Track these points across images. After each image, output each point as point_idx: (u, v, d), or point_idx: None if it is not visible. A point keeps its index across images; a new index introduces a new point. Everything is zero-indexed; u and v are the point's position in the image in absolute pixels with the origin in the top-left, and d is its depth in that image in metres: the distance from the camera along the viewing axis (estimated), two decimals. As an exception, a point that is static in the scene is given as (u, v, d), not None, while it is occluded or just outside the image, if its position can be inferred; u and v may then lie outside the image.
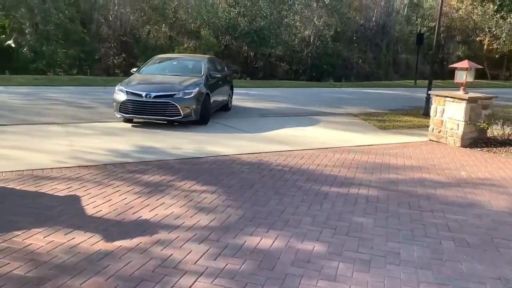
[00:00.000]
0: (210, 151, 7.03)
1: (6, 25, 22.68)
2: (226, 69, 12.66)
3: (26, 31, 22.20)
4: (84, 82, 17.51)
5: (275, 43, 25.76)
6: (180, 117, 9.00)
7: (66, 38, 22.77)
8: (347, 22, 31.05)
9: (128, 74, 24.97)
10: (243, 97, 14.89)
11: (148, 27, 25.69)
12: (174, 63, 11.55)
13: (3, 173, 5.27)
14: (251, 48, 25.19)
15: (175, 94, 8.96)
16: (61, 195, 4.59)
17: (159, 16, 24.44)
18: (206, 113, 9.56)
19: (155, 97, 8.91)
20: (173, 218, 4.13)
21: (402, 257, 3.56)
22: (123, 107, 9.06)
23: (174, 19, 25.58)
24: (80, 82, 17.37)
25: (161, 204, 4.47)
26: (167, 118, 9.09)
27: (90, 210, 4.22)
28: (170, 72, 10.55)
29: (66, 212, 4.13)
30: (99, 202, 4.44)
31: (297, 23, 28.23)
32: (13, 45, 22.48)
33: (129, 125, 9.18)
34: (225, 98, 11.54)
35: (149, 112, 8.99)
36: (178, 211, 4.31)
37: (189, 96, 9.03)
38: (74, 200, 4.44)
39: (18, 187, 4.76)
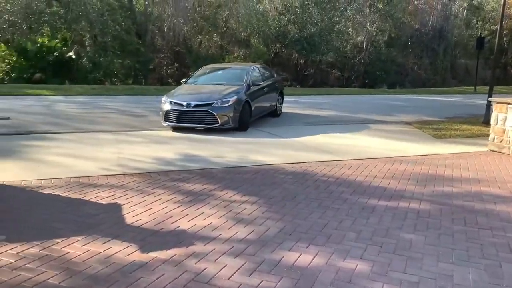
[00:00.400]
0: (254, 160, 6.91)
1: (68, 38, 23.99)
2: (275, 76, 12.79)
3: (86, 43, 23.30)
4: (137, 91, 18.07)
5: (326, 50, 25.39)
6: (218, 124, 9.41)
7: (122, 49, 23.68)
8: (401, 27, 30.06)
9: (180, 83, 25.66)
10: (292, 104, 14.71)
11: (200, 37, 26.20)
12: (219, 72, 12.04)
13: (52, 180, 5.42)
14: (301, 55, 24.99)
15: (213, 103, 9.42)
16: (103, 203, 4.64)
17: (211, 26, 24.85)
18: (245, 121, 9.84)
19: (195, 106, 9.47)
20: (211, 229, 4.03)
21: (455, 280, 3.23)
22: (167, 116, 9.71)
23: (225, 28, 25.92)
24: (133, 91, 17.94)
25: (200, 214, 4.39)
26: (206, 126, 9.47)
27: (130, 218, 4.21)
28: (215, 81, 10.97)
29: (107, 221, 4.14)
30: (139, 210, 4.43)
31: (349, 29, 27.69)
32: (73, 56, 23.64)
33: (175, 133, 9.28)
34: (272, 104, 11.73)
35: (189, 121, 9.52)
36: (216, 222, 4.20)
37: (227, 105, 9.42)
38: (116, 208, 4.46)
39: (64, 194, 4.87)
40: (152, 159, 6.76)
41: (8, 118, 10.57)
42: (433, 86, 30.06)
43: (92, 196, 4.83)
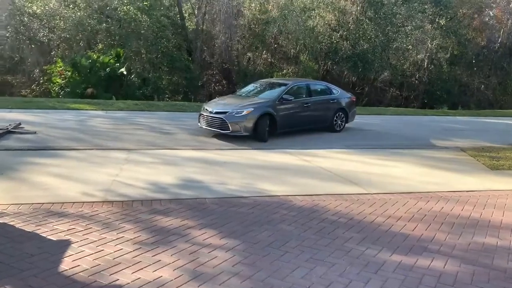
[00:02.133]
0: (260, 189, 6.00)
1: (121, 54, 24.47)
2: (334, 93, 12.75)
3: (136, 59, 23.65)
4: (179, 107, 17.77)
5: (381, 68, 23.93)
6: (229, 131, 10.39)
7: (171, 66, 23.76)
8: (465, 44, 27.85)
9: (228, 100, 25.26)
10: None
11: (249, 54, 25.80)
12: (263, 86, 12.77)
13: (21, 205, 4.86)
14: (353, 72, 23.74)
15: (227, 112, 10.45)
16: (53, 239, 3.95)
17: (259, 43, 24.36)
18: (262, 132, 10.52)
19: (215, 113, 10.67)
20: (156, 286, 3.17)
21: None
22: (200, 119, 11.40)
23: (275, 45, 25.33)
24: (175, 107, 17.66)
25: (154, 263, 3.56)
26: (219, 131, 10.57)
27: (67, 264, 3.47)
28: (254, 94, 12.07)
29: (38, 265, 3.43)
30: (86, 252, 3.69)
31: (408, 46, 26.04)
32: (125, 72, 24.00)
33: (190, 153, 8.57)
34: (324, 119, 12.13)
35: (211, 125, 10.83)
36: (167, 275, 3.35)
37: (239, 115, 10.33)
38: (61, 248, 3.75)
39: (19, 225, 4.26)
40: (147, 184, 6.06)
41: (34, 133, 10.53)
42: (502, 108, 27.43)
43: (47, 229, 4.17)
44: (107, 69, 22.91)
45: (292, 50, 24.25)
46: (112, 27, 21.68)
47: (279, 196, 5.70)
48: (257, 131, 10.42)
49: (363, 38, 23.44)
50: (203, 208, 5.07)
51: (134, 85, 23.31)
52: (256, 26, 24.77)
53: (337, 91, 12.95)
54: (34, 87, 24.57)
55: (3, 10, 21.74)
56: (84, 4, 21.32)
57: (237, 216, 4.79)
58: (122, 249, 3.79)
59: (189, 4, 26.07)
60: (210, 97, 26.87)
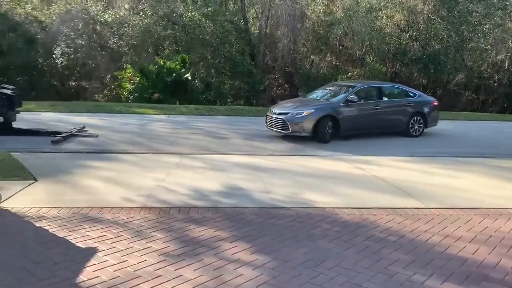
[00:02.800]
0: (305, 200, 5.64)
1: (187, 60, 25.06)
2: (412, 96, 12.44)
3: (200, 64, 24.08)
4: (238, 112, 17.79)
5: (454, 69, 22.34)
6: (289, 131, 10.77)
7: (233, 70, 23.92)
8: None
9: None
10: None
11: (312, 57, 25.33)
12: (332, 88, 12.88)
13: (62, 209, 4.90)
14: (423, 75, 22.37)
15: (288, 113, 10.83)
16: (81, 246, 3.90)
17: (323, 45, 23.81)
18: (322, 133, 10.67)
19: (278, 114, 11.09)
20: (170, 304, 2.96)
21: None
22: (266, 120, 11.81)
23: (339, 47, 24.64)
24: (234, 112, 17.70)
25: (175, 278, 3.35)
26: (281, 131, 10.99)
27: (87, 274, 3.37)
28: (320, 96, 12.24)
29: (59, 274, 3.36)
30: (109, 263, 3.58)
31: (487, 46, 24.11)
32: (189, 77, 24.54)
33: (240, 159, 8.37)
34: (398, 123, 11.82)
35: (274, 126, 11.25)
36: (187, 293, 3.12)
37: (299, 116, 10.69)
38: (86, 256, 3.67)
39: (53, 229, 4.27)
40: (189, 190, 5.93)
41: (96, 136, 10.94)
42: None
43: (79, 235, 4.14)
44: (173, 75, 23.54)
45: (357, 52, 23.41)
46: (177, 33, 22.21)
47: (325, 208, 5.30)
48: (317, 132, 10.64)
49: (435, 38, 22.02)
50: (240, 218, 4.81)
51: (197, 90, 23.72)
52: (320, 28, 24.23)
53: (414, 94, 12.61)
54: (106, 92, 25.89)
55: (80, 20, 23.14)
56: (151, 12, 22.06)
57: (274, 229, 4.48)
58: (146, 260, 3.63)
59: (253, 9, 26.12)
60: (272, 101, 26.71)
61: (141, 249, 3.84)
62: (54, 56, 22.99)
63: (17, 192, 5.51)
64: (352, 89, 11.60)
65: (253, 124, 14.32)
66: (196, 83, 23.51)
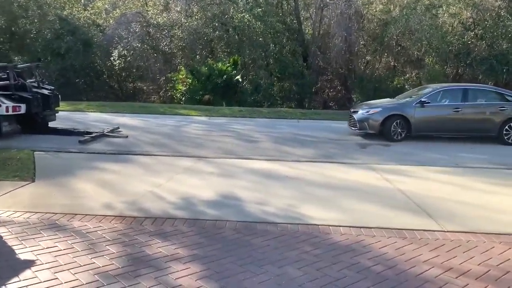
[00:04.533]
0: (300, 214, 5.03)
1: (238, 62, 24.92)
2: (509, 99, 11.52)
3: (250, 66, 23.84)
4: (281, 114, 17.27)
5: (525, 71, 20.15)
6: (357, 128, 11.61)
7: (283, 72, 23.40)
8: None
9: (342, 107, 23.96)
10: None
11: (367, 57, 24.13)
12: (418, 91, 12.68)
13: (35, 214, 4.72)
14: (489, 77, 20.40)
15: (358, 111, 11.66)
16: (20, 258, 3.63)
17: (378, 45, 22.55)
18: (388, 131, 11.10)
19: (352, 112, 12.01)
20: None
21: None
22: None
23: (397, 47, 23.23)
24: (277, 114, 17.20)
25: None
26: (352, 128, 11.91)
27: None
28: (403, 98, 12.45)
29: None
30: (35, 280, 3.24)
31: None
32: (240, 79, 24.41)
33: (259, 164, 7.88)
34: (487, 128, 11.23)
35: (349, 123, 12.11)
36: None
37: (366, 114, 11.40)
38: (17, 271, 3.37)
39: (8, 237, 4.05)
40: (179, 198, 5.55)
41: (126, 137, 10.96)
42: None
43: (29, 245, 3.89)
44: (224, 77, 23.51)
45: (416, 53, 21.89)
46: (226, 35, 22.11)
47: (318, 225, 4.67)
48: (383, 130, 11.12)
49: (503, 36, 19.98)
50: (215, 233, 4.33)
51: (246, 92, 23.50)
52: (376, 27, 23.00)
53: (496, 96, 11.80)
54: (162, 94, 26.47)
55: (136, 23, 23.81)
56: (201, 13, 22.15)
57: (245, 249, 3.95)
58: (76, 279, 3.26)
59: (306, 9, 25.44)
60: (324, 104, 25.82)
61: (81, 266, 3.49)
62: (112, 58, 23.84)
63: (5, 193, 5.44)
64: (429, 90, 11.76)
65: (292, 128, 13.77)
66: (245, 85, 23.28)
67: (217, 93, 23.14)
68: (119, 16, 22.92)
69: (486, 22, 20.73)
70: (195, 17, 22.39)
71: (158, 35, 22.96)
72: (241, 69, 24.37)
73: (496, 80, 21.31)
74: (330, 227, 4.62)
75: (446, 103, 11.47)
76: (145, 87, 28.07)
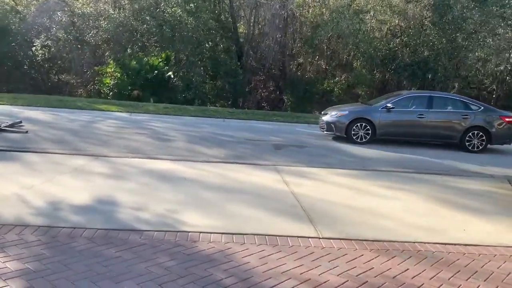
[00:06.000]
0: (175, 221, 4.71)
1: (171, 57, 24.18)
2: (473, 108, 11.90)
3: (181, 62, 23.25)
4: (208, 113, 16.87)
5: (444, 78, 21.19)
6: (325, 129, 12.06)
7: (216, 70, 23.04)
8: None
9: (274, 107, 23.99)
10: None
11: (299, 59, 24.36)
12: (387, 97, 12.99)
13: None
14: (412, 82, 21.25)
15: (326, 114, 12.14)
16: None
17: (309, 48, 22.80)
18: (354, 134, 11.48)
19: (323, 115, 12.33)
20: None
21: None
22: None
23: (328, 51, 23.61)
24: (204, 113, 16.78)
25: None
26: (322, 131, 12.27)
27: None
28: (373, 103, 12.75)
29: None
30: None
31: (482, 55, 22.92)
32: (172, 76, 23.73)
33: (160, 164, 7.44)
34: (449, 135, 11.66)
35: (320, 126, 12.48)
36: None
37: (333, 117, 11.85)
38: None
39: None
40: (46, 203, 5.02)
41: (26, 132, 10.09)
42: None
43: None
44: (155, 72, 22.72)
45: (345, 57, 22.37)
46: (156, 29, 21.37)
47: (188, 232, 4.36)
48: (348, 133, 11.49)
49: (425, 44, 20.90)
50: (64, 243, 3.89)
51: (178, 88, 22.90)
52: (308, 30, 23.24)
53: (478, 107, 12.06)
54: (89, 88, 25.18)
55: (60, 11, 22.46)
56: (129, 5, 21.25)
57: (87, 263, 3.54)
58: None
59: (240, 7, 25.23)
60: (258, 104, 25.76)
61: None
62: (34, 48, 22.32)
63: None
64: (396, 97, 12.18)
65: (215, 127, 13.46)
66: (176, 81, 22.67)
67: (147, 88, 22.32)
68: (41, 3, 21.44)
69: (410, 30, 21.57)
70: (123, 9, 21.43)
71: (83, 26, 21.74)
72: (173, 65, 23.73)
73: (418, 86, 22.30)
74: (201, 234, 4.33)
75: (411, 109, 11.84)
76: (73, 80, 26.59)
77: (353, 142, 11.39)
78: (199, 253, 3.86)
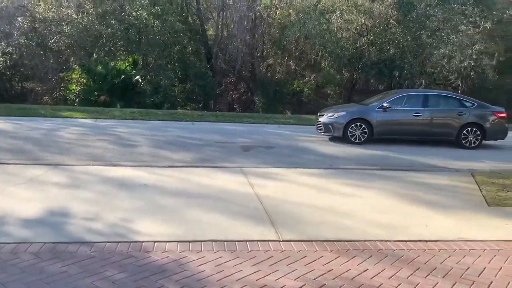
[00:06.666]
0: (129, 230, 4.53)
1: (138, 61, 23.74)
2: (467, 106, 11.97)
3: (150, 66, 22.88)
4: (177, 116, 16.63)
5: (410, 75, 21.52)
6: (323, 131, 11.85)
7: (185, 73, 22.76)
8: (514, 48, 24.74)
9: (246, 109, 23.88)
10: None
11: (269, 61, 24.32)
12: (382, 96, 12.99)
13: None
14: (379, 80, 21.51)
15: (324, 115, 11.93)
16: None
17: (278, 49, 22.79)
18: (352, 134, 11.39)
19: (319, 116, 12.17)
20: None
21: None
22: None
23: (296, 52, 23.66)
24: (172, 116, 16.53)
25: None
26: (319, 132, 12.00)
27: None
28: (369, 103, 12.54)
29: None
30: None
31: (446, 52, 23.37)
32: (140, 80, 23.32)
33: (122, 171, 7.20)
34: (445, 132, 11.79)
35: (316, 127, 12.20)
36: None
37: (331, 118, 11.68)
38: None
39: None
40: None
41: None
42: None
43: None
44: (122, 76, 22.27)
45: (313, 57, 22.46)
46: (120, 33, 20.94)
47: (142, 242, 4.18)
48: (346, 133, 11.36)
49: (390, 42, 21.19)
50: (6, 260, 3.66)
51: (146, 92, 22.52)
52: (276, 31, 23.22)
53: (472, 104, 12.17)
54: (55, 95, 24.49)
55: (22, 17, 21.76)
56: (92, 9, 20.76)
57: (27, 281, 3.32)
58: None
59: (208, 9, 25.04)
60: (229, 106, 25.60)
61: None
62: (-6, 55, 21.56)
63: None
64: (392, 96, 12.21)
65: (183, 130, 13.23)
66: (143, 85, 22.28)
67: (114, 94, 21.86)
68: (0, 9, 20.71)
69: (376, 29, 21.82)
70: (86, 13, 20.90)
71: (45, 31, 21.09)
72: (141, 69, 23.32)
73: (387, 84, 22.60)
74: (155, 243, 4.15)
75: (407, 108, 11.81)
76: (38, 88, 25.80)
77: (350, 143, 11.33)
78: (151, 264, 3.69)
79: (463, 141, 11.69)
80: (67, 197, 5.66)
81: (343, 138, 11.45)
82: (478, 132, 11.67)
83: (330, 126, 11.60)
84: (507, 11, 24.14)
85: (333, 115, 11.71)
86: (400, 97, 12.11)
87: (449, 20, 21.57)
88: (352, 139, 11.39)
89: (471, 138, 11.69)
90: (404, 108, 11.83)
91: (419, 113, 11.64)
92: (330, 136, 11.93)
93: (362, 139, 11.39)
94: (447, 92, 14.45)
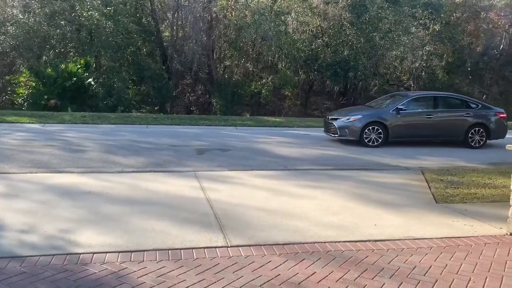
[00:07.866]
0: (68, 242, 4.26)
1: (91, 63, 22.94)
2: (473, 107, 12.41)
3: (102, 68, 22.19)
4: (131, 120, 16.12)
5: (364, 76, 21.97)
6: (337, 135, 11.80)
7: (139, 75, 22.22)
8: (462, 51, 25.78)
9: (204, 111, 23.58)
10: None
11: (226, 62, 24.15)
12: (392, 98, 13.25)
13: None
14: (334, 82, 21.82)
15: (338, 119, 11.86)
16: None
17: (234, 50, 22.67)
18: (368, 138, 11.43)
19: (330, 119, 12.16)
20: None
21: None
22: (323, 126, 12.83)
23: (253, 54, 23.62)
24: (126, 120, 16.01)
25: None
26: (332, 135, 12.03)
27: None
28: (379, 105, 12.91)
29: None
30: None
31: (397, 53, 24.04)
32: (92, 82, 22.58)
33: (68, 178, 6.83)
34: (455, 133, 12.06)
35: (327, 130, 12.32)
36: None
37: (346, 121, 11.64)
38: None
39: None
40: None
41: None
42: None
43: None
44: (74, 79, 21.46)
45: (270, 59, 22.49)
46: (71, 34, 20.18)
47: (80, 254, 3.92)
48: (362, 137, 11.37)
49: (344, 44, 21.55)
50: None
51: (98, 95, 21.81)
52: (232, 32, 23.10)
53: (476, 105, 12.60)
54: (1, 99, 23.33)
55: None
56: (39, 9, 19.87)
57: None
58: None
59: (162, 10, 24.58)
60: (186, 108, 25.20)
61: None
62: None
63: None
64: (405, 98, 12.24)
65: (136, 134, 12.82)
66: (95, 88, 21.56)
67: (65, 97, 21.05)
68: None
69: (330, 31, 22.13)
70: (33, 13, 19.98)
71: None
72: (93, 71, 22.56)
73: (342, 85, 22.95)
74: (94, 255, 3.91)
75: (419, 110, 12.08)
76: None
77: (365, 146, 11.32)
78: (87, 278, 3.45)
79: (470, 141, 12.07)
80: (1, 207, 5.28)
81: (359, 142, 11.46)
82: (483, 132, 12.10)
83: (347, 130, 11.56)
84: (454, 14, 25.15)
85: (349, 119, 11.63)
86: (411, 100, 12.24)
87: (400, 22, 22.17)
88: (368, 142, 11.42)
89: (477, 138, 12.09)
90: (417, 110, 12.07)
91: (431, 115, 11.90)
92: (345, 139, 11.79)
93: (377, 143, 11.45)
94: (455, 94, 14.70)
